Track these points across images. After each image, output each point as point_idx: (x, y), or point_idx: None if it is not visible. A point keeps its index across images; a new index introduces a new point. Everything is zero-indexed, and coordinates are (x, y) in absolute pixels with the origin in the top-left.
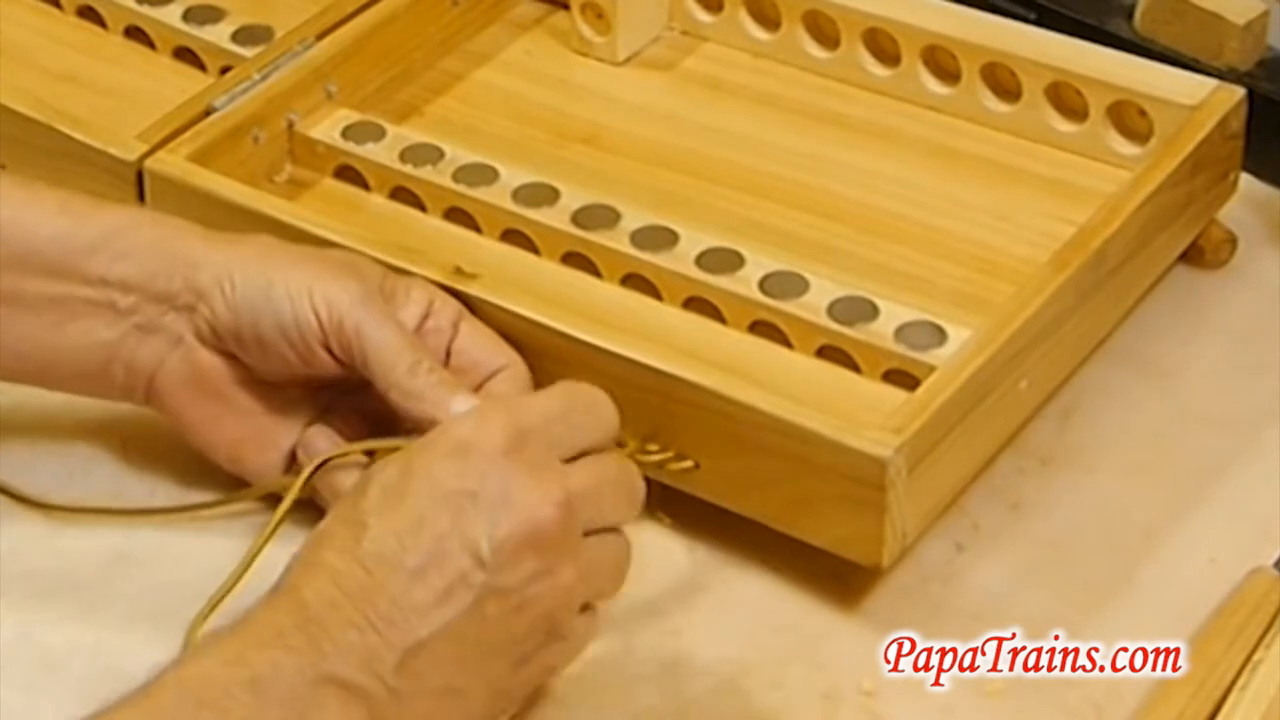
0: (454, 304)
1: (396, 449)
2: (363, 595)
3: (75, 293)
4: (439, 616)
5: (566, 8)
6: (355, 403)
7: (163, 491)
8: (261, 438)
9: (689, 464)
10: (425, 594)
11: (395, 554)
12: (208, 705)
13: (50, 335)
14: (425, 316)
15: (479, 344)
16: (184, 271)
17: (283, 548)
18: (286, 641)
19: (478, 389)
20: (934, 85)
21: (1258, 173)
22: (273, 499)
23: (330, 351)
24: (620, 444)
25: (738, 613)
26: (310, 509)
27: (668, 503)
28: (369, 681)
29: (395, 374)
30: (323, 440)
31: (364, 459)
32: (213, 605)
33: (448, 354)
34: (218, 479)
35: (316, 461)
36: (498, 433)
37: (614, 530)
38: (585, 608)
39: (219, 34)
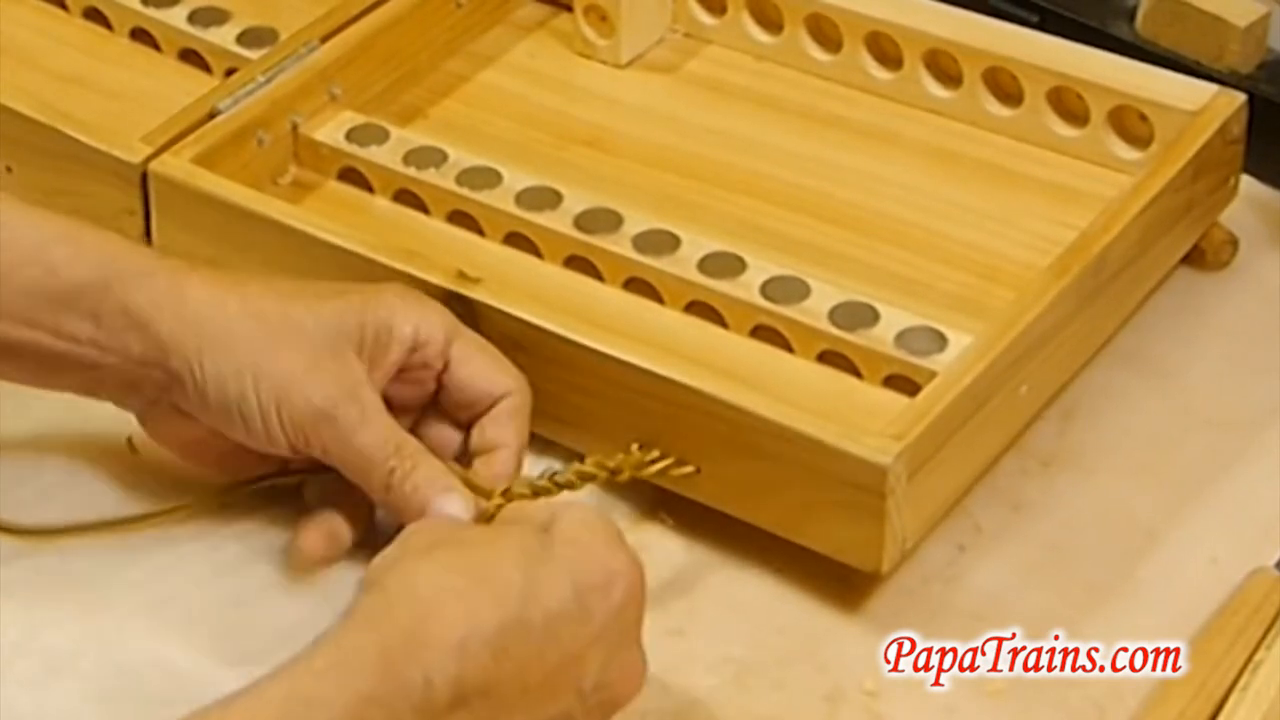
0: (442, 331)
1: None
2: (495, 683)
3: (48, 343)
4: (530, 718)
5: (570, 10)
6: None
7: (172, 494)
8: (247, 468)
9: (690, 469)
10: (536, 693)
11: (536, 650)
12: None
13: (30, 375)
14: (412, 350)
15: (471, 375)
16: (155, 351)
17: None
18: (413, 709)
19: (479, 416)
20: (935, 89)
21: (1259, 174)
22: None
23: (298, 452)
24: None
25: (739, 613)
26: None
27: (669, 503)
28: None
29: (370, 488)
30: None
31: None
32: None
33: (439, 383)
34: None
35: None
36: (640, 576)
37: None
38: None
39: (224, 36)
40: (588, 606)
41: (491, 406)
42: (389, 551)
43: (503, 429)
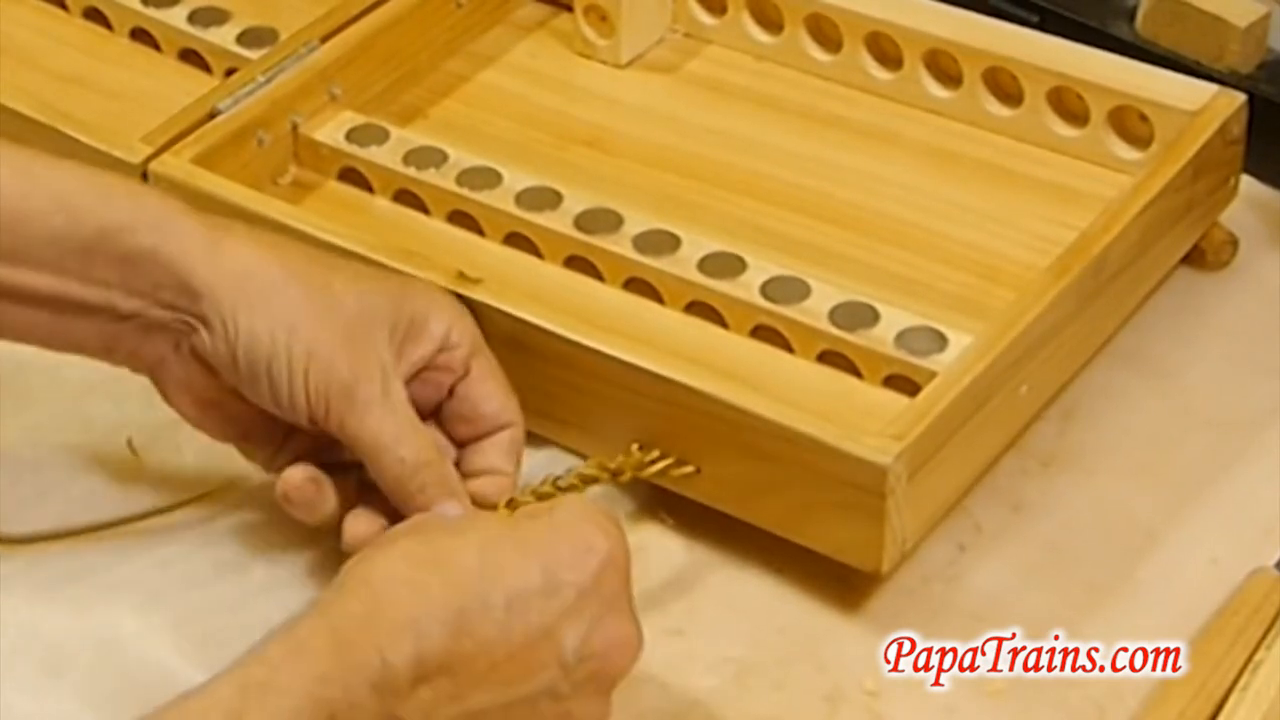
0: (470, 339)
1: None
2: (458, 661)
3: (73, 291)
4: (505, 693)
5: (570, 10)
6: None
7: (172, 496)
8: (254, 436)
9: (690, 469)
10: (507, 670)
11: (499, 628)
12: None
13: (47, 326)
14: (440, 350)
15: (485, 394)
16: (187, 296)
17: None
18: (371, 687)
19: (473, 440)
20: (935, 89)
21: (1259, 174)
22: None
23: (315, 423)
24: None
25: (740, 613)
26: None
27: (669, 503)
28: None
29: (377, 473)
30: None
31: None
32: None
33: (451, 392)
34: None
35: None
36: (621, 549)
37: None
38: None
39: (224, 36)
40: (557, 581)
41: (491, 432)
42: (365, 550)
43: (505, 458)
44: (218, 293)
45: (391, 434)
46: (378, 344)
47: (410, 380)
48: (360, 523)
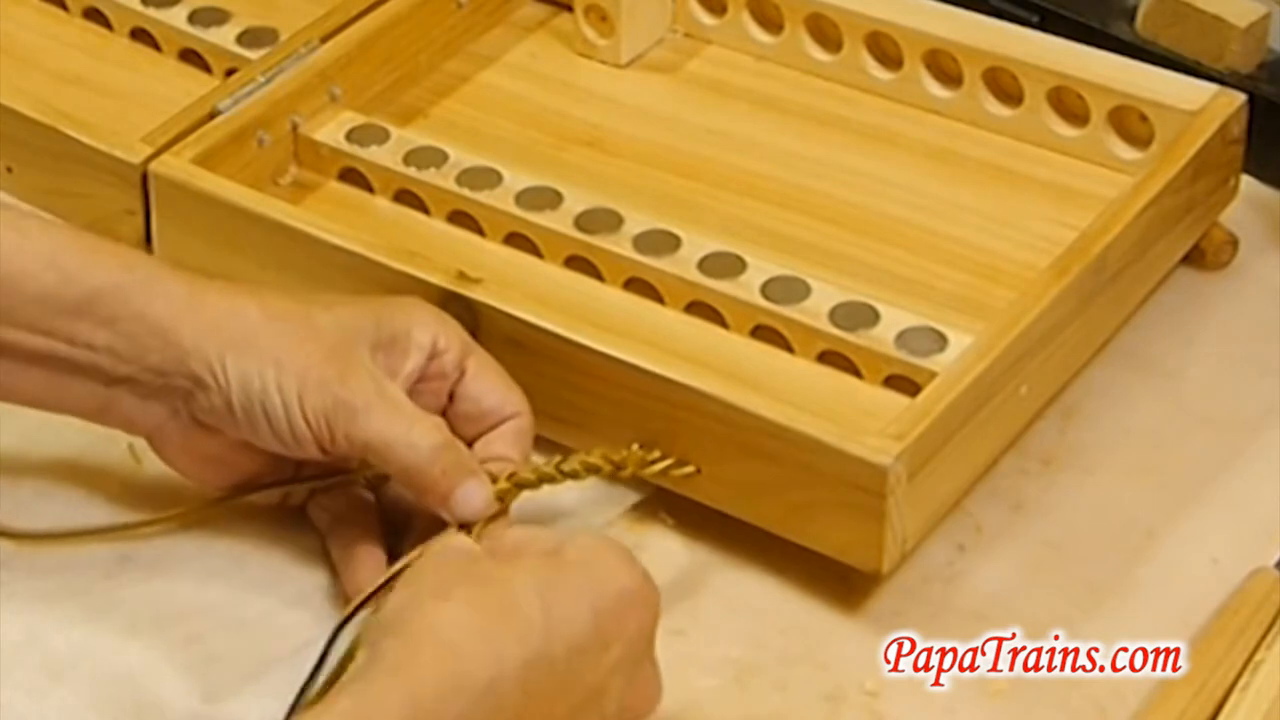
0: (459, 342)
1: None
2: (524, 714)
3: (61, 351)
4: None
5: (570, 10)
6: None
7: (173, 497)
8: (253, 483)
9: (690, 469)
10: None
11: (560, 684)
12: None
13: (38, 386)
14: (430, 358)
15: (486, 389)
16: (175, 355)
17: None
18: None
19: (481, 435)
20: (936, 89)
21: (1259, 174)
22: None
23: (325, 451)
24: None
25: (740, 613)
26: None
27: (670, 503)
28: None
29: (396, 472)
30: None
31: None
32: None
33: (451, 397)
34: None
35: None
36: (653, 595)
37: None
38: None
39: (224, 36)
40: (606, 634)
41: (498, 424)
42: (400, 594)
43: (510, 448)
44: (203, 346)
45: (399, 426)
46: (363, 360)
47: (408, 394)
48: (362, 570)
